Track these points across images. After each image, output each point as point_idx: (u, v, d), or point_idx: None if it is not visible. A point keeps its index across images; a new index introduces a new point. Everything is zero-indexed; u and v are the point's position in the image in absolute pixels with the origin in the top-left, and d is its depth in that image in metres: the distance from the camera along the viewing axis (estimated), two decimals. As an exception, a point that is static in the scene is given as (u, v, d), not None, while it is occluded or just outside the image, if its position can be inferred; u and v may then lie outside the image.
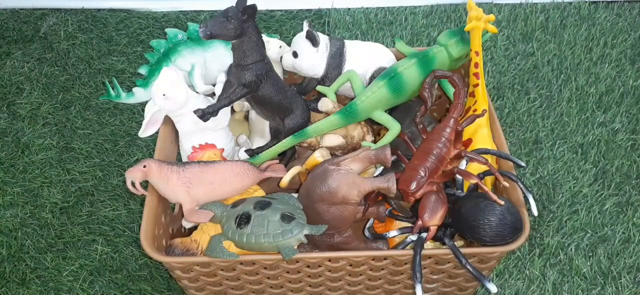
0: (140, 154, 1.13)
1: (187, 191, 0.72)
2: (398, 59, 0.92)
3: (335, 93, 0.89)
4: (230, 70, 0.81)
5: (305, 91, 0.94)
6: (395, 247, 0.77)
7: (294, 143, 0.83)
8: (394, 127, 0.82)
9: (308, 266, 0.73)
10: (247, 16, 0.74)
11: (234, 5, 0.75)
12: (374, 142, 0.87)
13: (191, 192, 0.72)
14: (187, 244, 0.77)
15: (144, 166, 0.67)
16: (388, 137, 0.82)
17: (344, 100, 0.95)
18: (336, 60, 0.88)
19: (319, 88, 0.90)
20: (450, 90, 0.92)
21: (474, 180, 0.72)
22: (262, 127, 0.93)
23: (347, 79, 0.87)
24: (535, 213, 0.72)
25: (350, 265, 0.73)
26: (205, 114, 0.78)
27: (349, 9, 1.47)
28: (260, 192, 0.81)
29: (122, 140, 1.15)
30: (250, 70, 0.77)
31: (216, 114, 0.80)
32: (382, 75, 0.83)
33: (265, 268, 0.73)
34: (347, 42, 0.90)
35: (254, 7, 0.74)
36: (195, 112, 0.78)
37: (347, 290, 0.80)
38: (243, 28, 0.74)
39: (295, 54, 0.88)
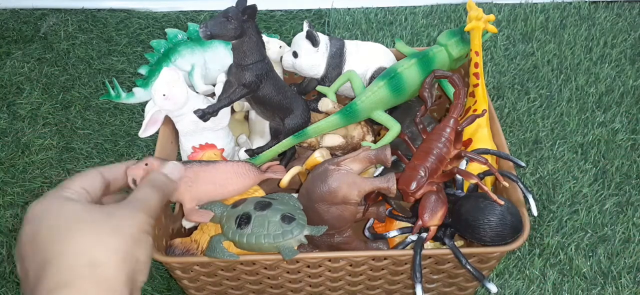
0: (140, 154, 1.13)
1: (188, 190, 0.71)
2: (398, 59, 0.92)
3: (336, 93, 0.89)
4: (231, 70, 0.81)
5: (305, 91, 0.94)
6: (395, 247, 0.77)
7: (294, 143, 0.83)
8: (394, 127, 0.82)
9: (308, 266, 0.73)
10: (247, 16, 0.73)
11: (234, 5, 0.75)
12: (374, 142, 0.87)
13: (192, 192, 0.72)
14: (187, 245, 0.77)
15: (146, 164, 0.66)
16: (388, 137, 0.82)
17: (344, 100, 0.95)
18: (336, 60, 0.88)
19: (319, 88, 0.90)
20: (451, 90, 0.92)
21: (474, 180, 0.72)
22: (262, 127, 0.93)
23: (346, 79, 0.87)
24: (535, 213, 0.72)
25: (350, 265, 0.73)
26: (205, 114, 0.78)
27: (349, 9, 1.47)
28: (260, 192, 0.81)
29: (122, 140, 1.15)
30: (250, 70, 0.77)
31: (216, 114, 0.80)
32: (382, 75, 0.83)
33: (265, 268, 0.73)
34: (347, 42, 0.90)
35: (254, 7, 0.73)
36: (195, 112, 0.79)
37: (347, 290, 0.80)
38: (243, 28, 0.73)
39: (295, 54, 0.88)
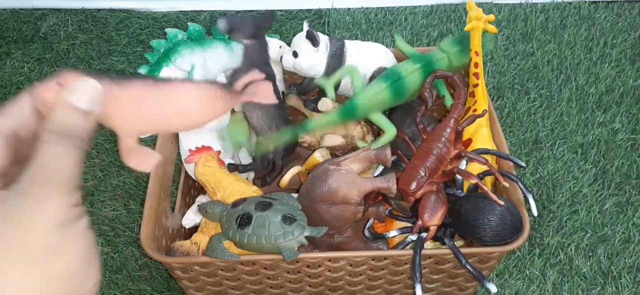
0: (140, 154, 1.13)
1: (125, 118, 0.41)
2: (398, 58, 0.92)
3: (335, 93, 0.89)
4: (235, 73, 0.84)
5: (305, 91, 0.94)
6: (395, 247, 0.77)
7: (293, 134, 0.82)
8: (389, 131, 0.82)
9: (308, 266, 0.73)
10: (263, 22, 0.82)
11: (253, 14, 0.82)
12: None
13: (131, 120, 0.42)
14: (187, 248, 0.77)
15: (59, 83, 0.34)
16: (383, 140, 0.82)
17: (343, 100, 0.95)
18: (336, 60, 0.88)
19: (318, 81, 0.89)
20: (446, 92, 0.92)
21: (474, 180, 0.72)
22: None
23: (347, 72, 0.86)
24: (535, 213, 0.72)
25: (350, 265, 0.73)
26: None
27: (349, 9, 1.47)
28: (259, 192, 0.81)
29: (122, 140, 1.15)
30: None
31: None
32: (385, 76, 0.83)
33: (265, 268, 0.73)
34: (347, 42, 0.90)
35: (272, 16, 0.83)
36: None
37: (347, 290, 0.80)
38: (257, 32, 0.81)
39: (295, 54, 0.88)
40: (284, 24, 1.43)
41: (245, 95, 0.51)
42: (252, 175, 0.92)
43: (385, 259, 0.72)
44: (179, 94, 0.45)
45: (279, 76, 0.94)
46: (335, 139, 0.85)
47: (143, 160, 0.43)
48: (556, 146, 1.11)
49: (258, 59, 0.81)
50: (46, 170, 0.26)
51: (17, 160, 0.28)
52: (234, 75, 0.84)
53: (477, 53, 0.84)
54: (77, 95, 0.30)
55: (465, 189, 0.79)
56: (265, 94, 0.54)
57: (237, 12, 1.47)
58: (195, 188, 0.93)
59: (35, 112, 0.30)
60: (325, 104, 0.84)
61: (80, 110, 0.29)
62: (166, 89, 0.43)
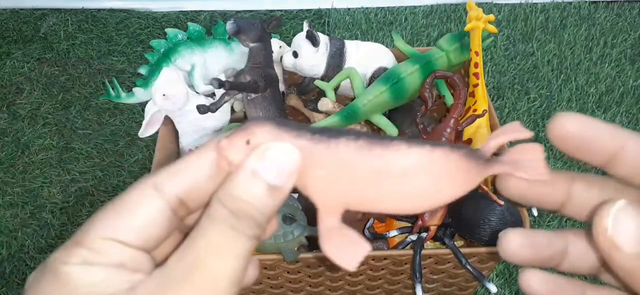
0: (140, 154, 1.13)
1: (329, 187, 0.30)
2: (398, 58, 0.92)
3: (335, 92, 0.89)
4: (240, 72, 0.85)
5: (305, 91, 0.94)
6: (395, 247, 0.77)
7: None
8: (391, 133, 0.82)
9: (308, 266, 0.73)
10: (269, 27, 0.83)
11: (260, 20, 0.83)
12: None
13: (338, 191, 0.30)
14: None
15: (248, 141, 0.23)
16: None
17: (343, 100, 0.95)
18: (336, 60, 0.88)
19: (317, 83, 0.89)
20: (447, 91, 0.92)
21: (474, 180, 0.72)
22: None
23: (346, 75, 0.86)
24: (535, 213, 0.72)
25: (350, 265, 0.73)
26: (206, 109, 0.79)
27: (349, 9, 1.47)
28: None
29: (122, 140, 1.15)
30: (257, 71, 0.82)
31: (215, 110, 0.80)
32: (384, 78, 0.83)
33: (265, 268, 0.73)
34: (347, 42, 0.89)
35: (278, 20, 0.83)
36: (197, 106, 0.79)
37: (347, 290, 0.80)
38: (263, 35, 0.82)
39: (295, 54, 0.88)
40: (284, 24, 1.43)
41: (503, 166, 0.30)
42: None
43: (385, 259, 0.72)
44: (403, 161, 0.30)
45: (279, 76, 0.94)
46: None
47: (346, 252, 0.30)
48: (556, 146, 1.11)
49: (263, 63, 0.82)
50: (198, 269, 0.18)
51: (179, 233, 0.21)
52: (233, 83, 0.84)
53: (477, 53, 0.84)
54: (266, 163, 0.21)
55: (465, 189, 0.79)
56: (535, 164, 0.30)
57: (237, 12, 1.47)
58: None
59: (214, 174, 0.21)
60: (325, 103, 0.84)
61: (266, 183, 0.21)
62: (384, 152, 0.29)
